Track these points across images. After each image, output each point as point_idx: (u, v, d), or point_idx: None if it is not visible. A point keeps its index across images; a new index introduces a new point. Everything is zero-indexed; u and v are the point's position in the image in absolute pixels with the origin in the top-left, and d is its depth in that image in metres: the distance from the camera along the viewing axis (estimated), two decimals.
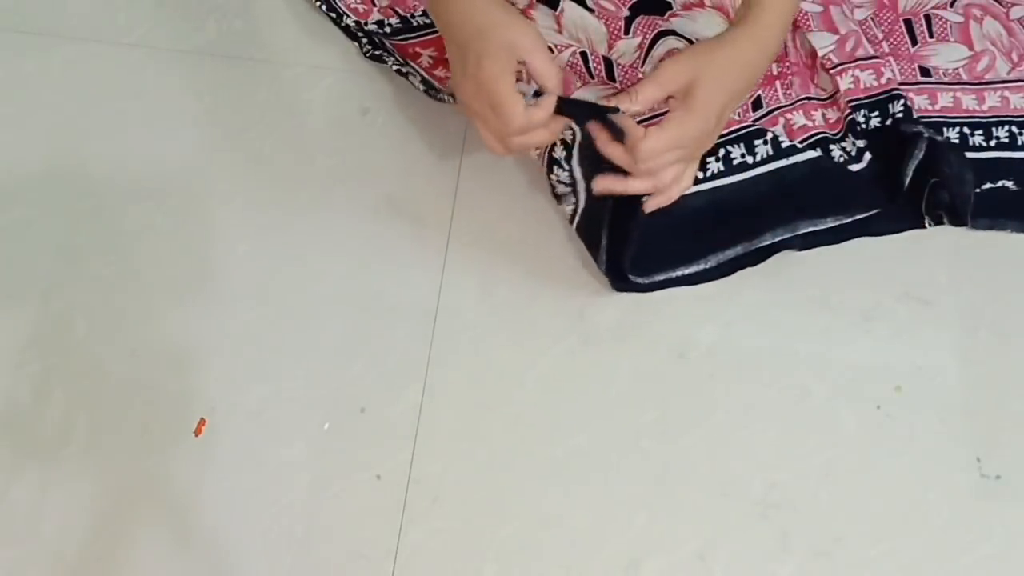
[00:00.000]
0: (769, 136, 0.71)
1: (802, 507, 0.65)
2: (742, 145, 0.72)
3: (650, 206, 0.65)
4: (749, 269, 0.71)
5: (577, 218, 0.70)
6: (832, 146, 0.73)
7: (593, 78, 0.74)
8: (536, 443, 0.66)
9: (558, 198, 0.71)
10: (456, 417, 0.67)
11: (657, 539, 0.64)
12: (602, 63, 0.74)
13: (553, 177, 0.69)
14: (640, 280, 0.69)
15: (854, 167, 0.71)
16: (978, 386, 0.68)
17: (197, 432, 0.66)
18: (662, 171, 0.62)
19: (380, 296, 0.70)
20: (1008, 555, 0.64)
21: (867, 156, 0.72)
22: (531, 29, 0.61)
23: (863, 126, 0.73)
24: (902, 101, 0.72)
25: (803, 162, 0.70)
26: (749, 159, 0.71)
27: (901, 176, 0.70)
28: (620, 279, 0.69)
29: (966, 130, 0.75)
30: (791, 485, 0.65)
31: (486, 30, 0.60)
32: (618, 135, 0.60)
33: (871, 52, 0.75)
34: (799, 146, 0.71)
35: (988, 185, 0.73)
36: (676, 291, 0.70)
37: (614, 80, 0.74)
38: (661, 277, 0.70)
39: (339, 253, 0.72)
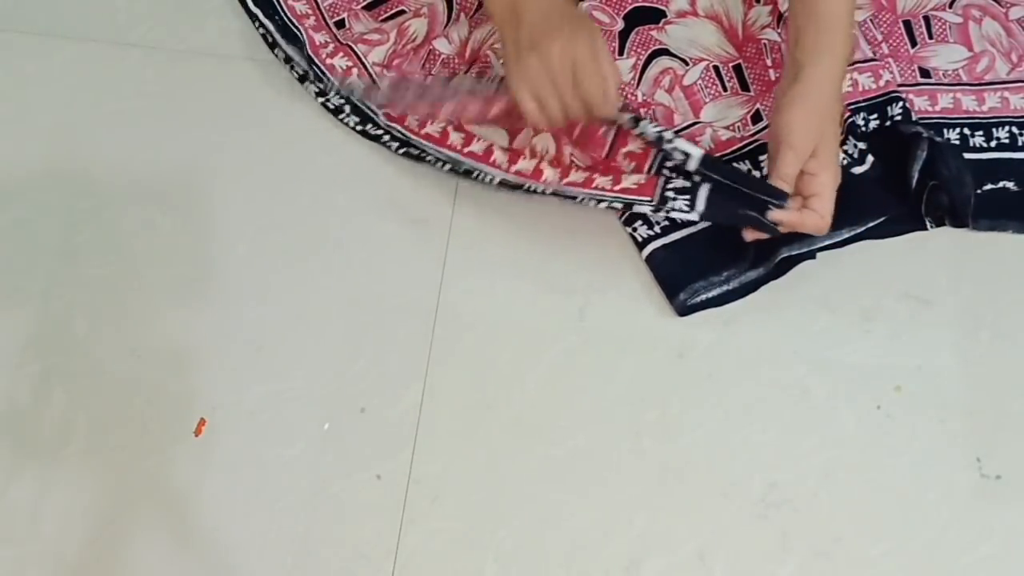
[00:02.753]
0: None
1: (802, 507, 0.65)
2: (747, 161, 0.72)
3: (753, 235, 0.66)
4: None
5: (653, 248, 0.70)
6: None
7: None
8: (536, 443, 0.66)
9: (635, 220, 0.71)
10: (456, 417, 0.67)
11: (657, 539, 0.64)
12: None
13: (664, 209, 0.68)
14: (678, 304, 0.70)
15: (857, 170, 0.71)
16: (978, 386, 0.68)
17: (197, 432, 0.66)
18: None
19: (380, 296, 0.70)
20: (1008, 555, 0.64)
21: (870, 158, 0.72)
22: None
23: (863, 129, 0.73)
24: (901, 103, 0.72)
25: None
26: (756, 174, 0.71)
27: (907, 178, 0.70)
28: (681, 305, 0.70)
29: (966, 131, 0.75)
30: (791, 485, 0.65)
31: (577, 13, 0.62)
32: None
33: (869, 55, 0.75)
34: None
35: (989, 186, 0.73)
36: None
37: None
38: (690, 302, 0.69)
39: (339, 253, 0.72)
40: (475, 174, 0.72)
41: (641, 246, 0.71)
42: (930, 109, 0.75)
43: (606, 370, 0.68)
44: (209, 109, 0.76)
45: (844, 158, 0.72)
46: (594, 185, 0.68)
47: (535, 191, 0.69)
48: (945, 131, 0.74)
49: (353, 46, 0.75)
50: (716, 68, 0.76)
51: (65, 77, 0.78)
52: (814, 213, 0.63)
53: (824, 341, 0.69)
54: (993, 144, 0.74)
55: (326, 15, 0.78)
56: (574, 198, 0.69)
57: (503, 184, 0.71)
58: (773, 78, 0.75)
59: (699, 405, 0.68)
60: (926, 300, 0.71)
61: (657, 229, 0.71)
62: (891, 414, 0.67)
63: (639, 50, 0.76)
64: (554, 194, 0.69)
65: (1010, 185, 0.73)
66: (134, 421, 0.66)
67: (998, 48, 0.77)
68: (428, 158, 0.73)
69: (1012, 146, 0.74)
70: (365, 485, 0.65)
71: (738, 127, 0.74)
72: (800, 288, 0.71)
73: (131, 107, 0.76)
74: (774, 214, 0.63)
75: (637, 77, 0.75)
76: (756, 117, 0.75)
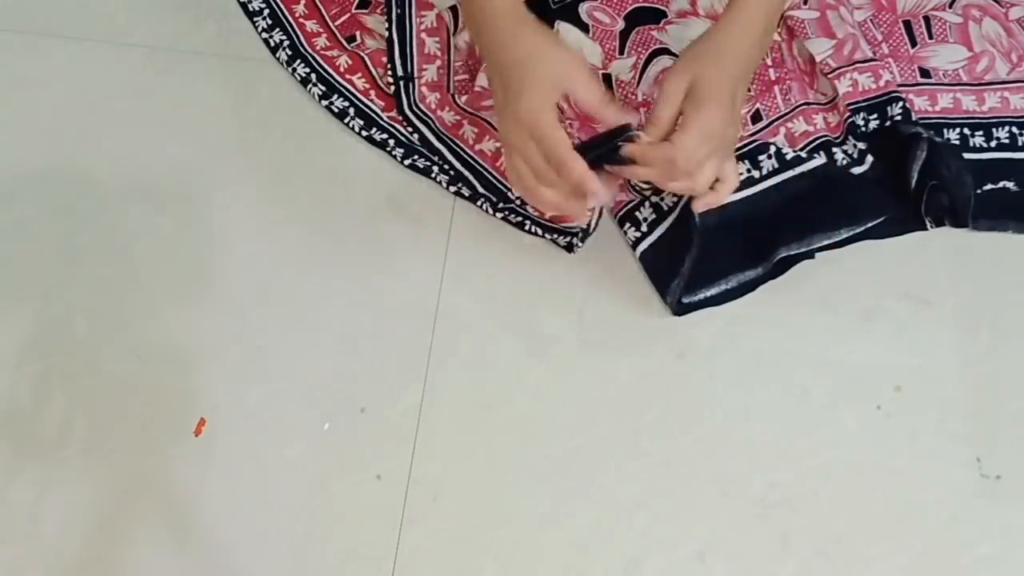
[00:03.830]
0: (773, 149, 0.71)
1: (802, 507, 0.65)
2: (747, 161, 0.72)
3: (699, 206, 0.64)
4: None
5: (642, 248, 0.70)
6: (835, 149, 0.73)
7: None
8: (536, 443, 0.66)
9: (625, 221, 0.71)
10: (456, 417, 0.67)
11: (657, 539, 0.64)
12: (600, 79, 0.74)
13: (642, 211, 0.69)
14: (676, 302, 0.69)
15: (857, 170, 0.71)
16: (978, 386, 0.68)
17: (197, 432, 0.66)
18: (699, 170, 0.61)
19: (380, 296, 0.70)
20: (1008, 555, 0.64)
21: (869, 158, 0.72)
22: (575, 59, 0.60)
23: (863, 129, 0.73)
24: (901, 103, 0.72)
25: (810, 171, 0.70)
26: (756, 173, 0.71)
27: (907, 178, 0.70)
28: (678, 303, 0.69)
29: (966, 131, 0.75)
30: (791, 485, 0.65)
31: (528, 60, 0.59)
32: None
33: (869, 55, 0.75)
34: (803, 156, 0.71)
35: (989, 186, 0.73)
36: None
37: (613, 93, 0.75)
38: (687, 300, 0.69)
39: (339, 253, 0.72)
40: (479, 202, 0.72)
41: (633, 247, 0.71)
42: (930, 109, 0.75)
43: (606, 370, 0.68)
44: (209, 109, 0.76)
45: (844, 158, 0.72)
46: None
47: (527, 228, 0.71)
48: (945, 131, 0.74)
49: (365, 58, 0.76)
50: None
51: (65, 77, 0.78)
52: (667, 146, 0.58)
53: (824, 341, 0.69)
54: (993, 144, 0.74)
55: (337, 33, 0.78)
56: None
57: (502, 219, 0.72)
58: (773, 77, 0.75)
59: (699, 405, 0.68)
60: (926, 300, 0.71)
61: (644, 228, 0.71)
62: (891, 414, 0.67)
63: (639, 49, 0.76)
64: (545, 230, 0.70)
65: (1010, 185, 0.73)
66: (134, 421, 0.66)
67: (998, 48, 0.77)
68: (433, 173, 0.73)
69: (1012, 146, 0.74)
70: (365, 485, 0.65)
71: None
72: (800, 288, 0.71)
73: (131, 107, 0.76)
74: (626, 148, 0.60)
75: (637, 76, 0.75)
76: (756, 117, 0.75)
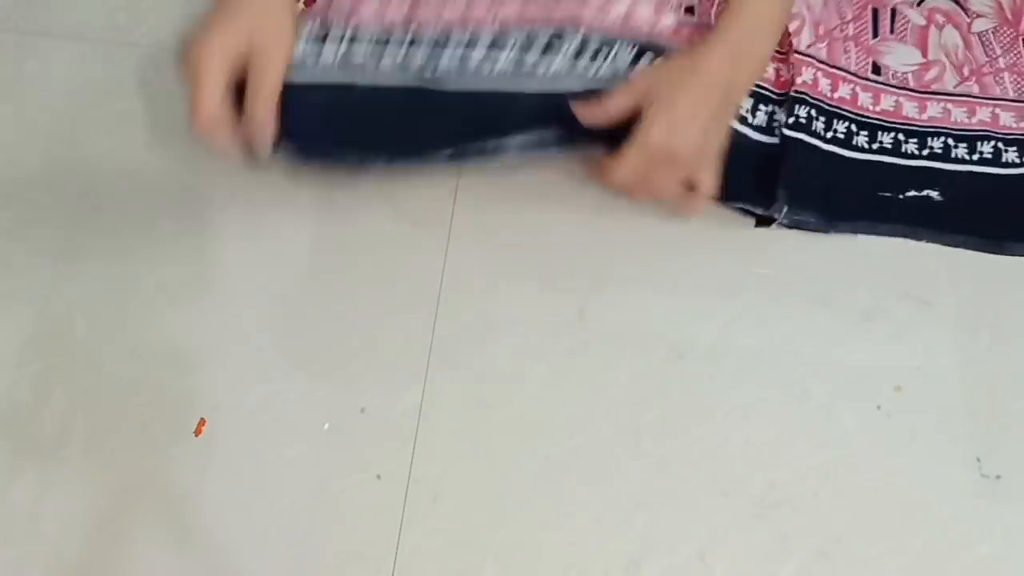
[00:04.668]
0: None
1: (802, 507, 0.65)
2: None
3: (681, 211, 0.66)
4: (749, 269, 0.71)
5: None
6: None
7: None
8: (536, 443, 0.66)
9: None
10: (456, 417, 0.67)
11: (657, 539, 0.64)
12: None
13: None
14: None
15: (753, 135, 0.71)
16: (978, 386, 0.68)
17: (197, 432, 0.66)
18: (643, 187, 0.64)
19: (380, 296, 0.70)
20: (1008, 555, 0.64)
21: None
22: (290, 36, 0.59)
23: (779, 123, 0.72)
24: (806, 108, 0.72)
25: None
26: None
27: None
28: None
29: (900, 136, 0.74)
30: (791, 485, 0.65)
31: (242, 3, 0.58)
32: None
33: (803, 47, 0.75)
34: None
35: (912, 192, 0.72)
36: (675, 290, 0.70)
37: None
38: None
39: (339, 253, 0.72)
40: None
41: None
42: (871, 108, 0.75)
43: (606, 370, 0.68)
44: None
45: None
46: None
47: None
48: (879, 134, 0.74)
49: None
50: None
51: (65, 77, 0.78)
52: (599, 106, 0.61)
53: (824, 341, 0.69)
54: (925, 153, 0.74)
55: None
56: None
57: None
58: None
59: (699, 405, 0.68)
60: (926, 300, 0.71)
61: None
62: (891, 414, 0.67)
63: None
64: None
65: (934, 195, 0.73)
66: (134, 421, 0.66)
67: (952, 60, 0.77)
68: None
69: (944, 157, 0.74)
70: (365, 485, 0.65)
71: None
72: (800, 288, 0.71)
73: (131, 107, 0.76)
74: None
75: None
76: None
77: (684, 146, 0.63)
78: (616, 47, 0.66)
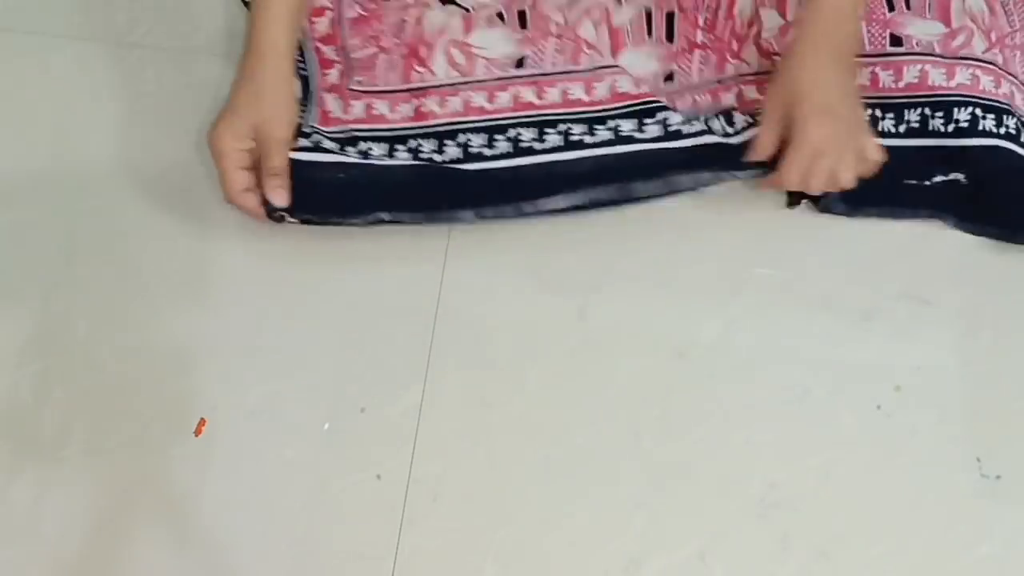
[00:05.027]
0: (661, 116, 0.71)
1: (802, 507, 0.65)
2: (636, 119, 0.72)
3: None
4: (751, 268, 0.71)
5: None
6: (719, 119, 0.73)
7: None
8: (536, 443, 0.66)
9: None
10: (456, 417, 0.67)
11: (657, 539, 0.64)
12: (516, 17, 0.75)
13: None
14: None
15: (736, 139, 0.71)
16: (978, 386, 0.68)
17: (197, 432, 0.66)
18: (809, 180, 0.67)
19: (380, 296, 0.70)
20: (1008, 555, 0.64)
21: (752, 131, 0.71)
22: (290, 127, 0.68)
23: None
24: None
25: (685, 148, 0.70)
26: (637, 135, 0.71)
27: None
28: None
29: (927, 111, 0.72)
30: (791, 485, 0.65)
31: (263, 93, 0.67)
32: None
33: None
34: (683, 131, 0.70)
35: (940, 178, 0.72)
36: (676, 291, 0.70)
37: (526, 27, 0.76)
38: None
39: (339, 253, 0.72)
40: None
41: None
42: (893, 86, 0.74)
43: (606, 370, 0.68)
44: (209, 109, 0.76)
45: (723, 127, 0.72)
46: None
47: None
48: (906, 112, 0.73)
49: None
50: (648, 12, 0.76)
51: (65, 77, 0.78)
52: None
53: (824, 341, 0.69)
54: (951, 129, 0.71)
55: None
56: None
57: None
58: (699, 40, 0.76)
59: (699, 405, 0.68)
60: (926, 300, 0.71)
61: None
62: (891, 414, 0.67)
63: None
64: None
65: (960, 177, 0.71)
66: (134, 421, 0.66)
67: (979, 24, 0.75)
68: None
69: (972, 131, 0.71)
70: (365, 485, 0.65)
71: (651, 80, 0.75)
72: (800, 288, 0.71)
73: (131, 107, 0.76)
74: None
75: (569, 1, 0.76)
76: (669, 77, 0.75)
77: (848, 120, 0.66)
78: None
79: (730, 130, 0.71)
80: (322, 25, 0.75)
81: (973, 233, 0.72)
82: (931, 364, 0.69)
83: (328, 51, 0.75)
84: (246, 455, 0.65)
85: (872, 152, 0.67)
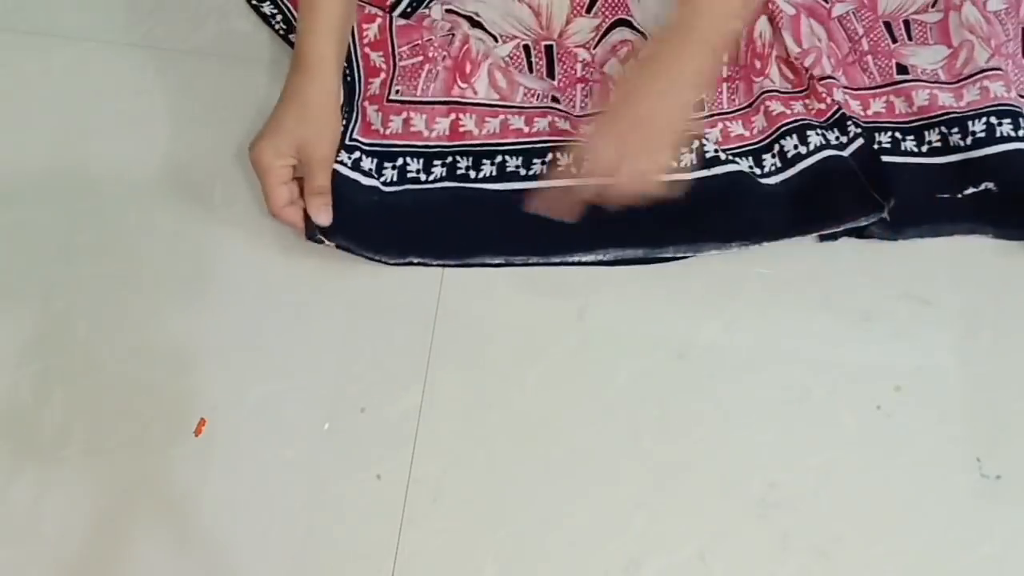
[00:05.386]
0: (695, 144, 0.71)
1: (802, 507, 0.65)
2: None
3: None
4: (751, 268, 0.71)
5: None
6: (764, 155, 0.72)
7: (532, 72, 0.76)
8: (536, 443, 0.66)
9: None
10: (456, 417, 0.67)
11: (657, 539, 0.64)
12: (544, 57, 0.76)
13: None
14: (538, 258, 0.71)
15: (772, 180, 0.71)
16: (978, 386, 0.68)
17: (197, 432, 0.66)
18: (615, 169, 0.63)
19: (380, 296, 0.70)
20: (1008, 555, 0.64)
21: (786, 174, 0.71)
22: (333, 146, 0.67)
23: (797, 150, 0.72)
24: (851, 124, 0.72)
25: (723, 175, 0.70)
26: (671, 163, 0.70)
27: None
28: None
29: (943, 129, 0.73)
30: (791, 485, 0.65)
31: (308, 111, 0.66)
32: None
33: (828, 71, 0.74)
34: (722, 157, 0.70)
35: (971, 190, 0.71)
36: (676, 291, 0.70)
37: (554, 76, 0.76)
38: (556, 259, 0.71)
39: (339, 253, 0.71)
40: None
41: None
42: (906, 111, 0.75)
43: (606, 370, 0.68)
44: (209, 109, 0.76)
45: (765, 166, 0.72)
46: None
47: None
48: (926, 133, 0.73)
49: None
50: None
51: (65, 77, 0.78)
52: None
53: (824, 341, 0.69)
54: (969, 141, 0.72)
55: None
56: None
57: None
58: (725, 75, 0.76)
59: (699, 405, 0.68)
60: (926, 300, 0.71)
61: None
62: (891, 414, 0.67)
63: (606, 13, 0.77)
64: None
65: (991, 187, 0.71)
66: (134, 421, 0.66)
67: (977, 34, 0.76)
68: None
69: (990, 139, 0.71)
70: (365, 485, 0.65)
71: None
72: (800, 288, 0.71)
73: (131, 107, 0.76)
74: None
75: (597, 39, 0.76)
76: (699, 106, 0.75)
77: (647, 126, 0.63)
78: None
79: (758, 170, 0.71)
80: (372, 31, 0.74)
81: (1014, 239, 0.72)
82: (931, 364, 0.69)
83: (376, 57, 0.74)
84: (246, 455, 0.65)
85: (655, 173, 0.64)
